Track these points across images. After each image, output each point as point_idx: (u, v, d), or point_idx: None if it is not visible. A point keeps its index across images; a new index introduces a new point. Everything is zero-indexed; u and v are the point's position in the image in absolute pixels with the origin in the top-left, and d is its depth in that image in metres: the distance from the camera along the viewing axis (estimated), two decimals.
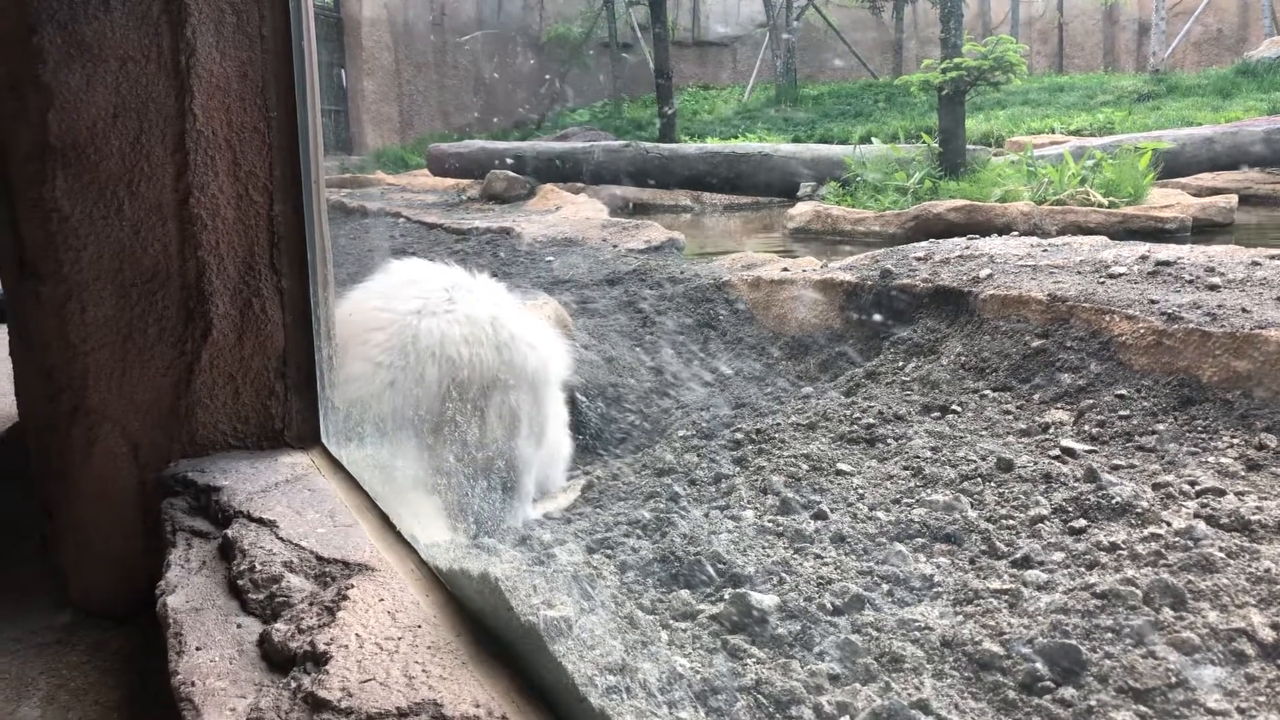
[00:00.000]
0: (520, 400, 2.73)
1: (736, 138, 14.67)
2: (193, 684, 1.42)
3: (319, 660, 1.37)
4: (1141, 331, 2.67)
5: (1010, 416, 2.67)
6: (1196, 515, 1.95)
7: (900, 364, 3.25)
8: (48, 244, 2.05)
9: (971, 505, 2.14)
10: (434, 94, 21.58)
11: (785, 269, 4.31)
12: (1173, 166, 9.33)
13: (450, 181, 11.92)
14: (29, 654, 2.03)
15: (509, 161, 10.95)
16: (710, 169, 10.23)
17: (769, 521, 2.15)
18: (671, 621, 1.70)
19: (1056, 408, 2.65)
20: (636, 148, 10.77)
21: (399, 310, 2.72)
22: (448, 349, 2.65)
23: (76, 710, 1.85)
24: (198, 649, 1.52)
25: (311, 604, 1.56)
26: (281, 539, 1.79)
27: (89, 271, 2.07)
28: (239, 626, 1.59)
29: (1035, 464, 2.29)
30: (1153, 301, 2.79)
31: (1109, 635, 1.57)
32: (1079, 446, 2.40)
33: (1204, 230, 7.51)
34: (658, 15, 14.66)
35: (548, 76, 21.87)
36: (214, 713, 1.36)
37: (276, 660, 1.47)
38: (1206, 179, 9.82)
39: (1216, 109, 13.77)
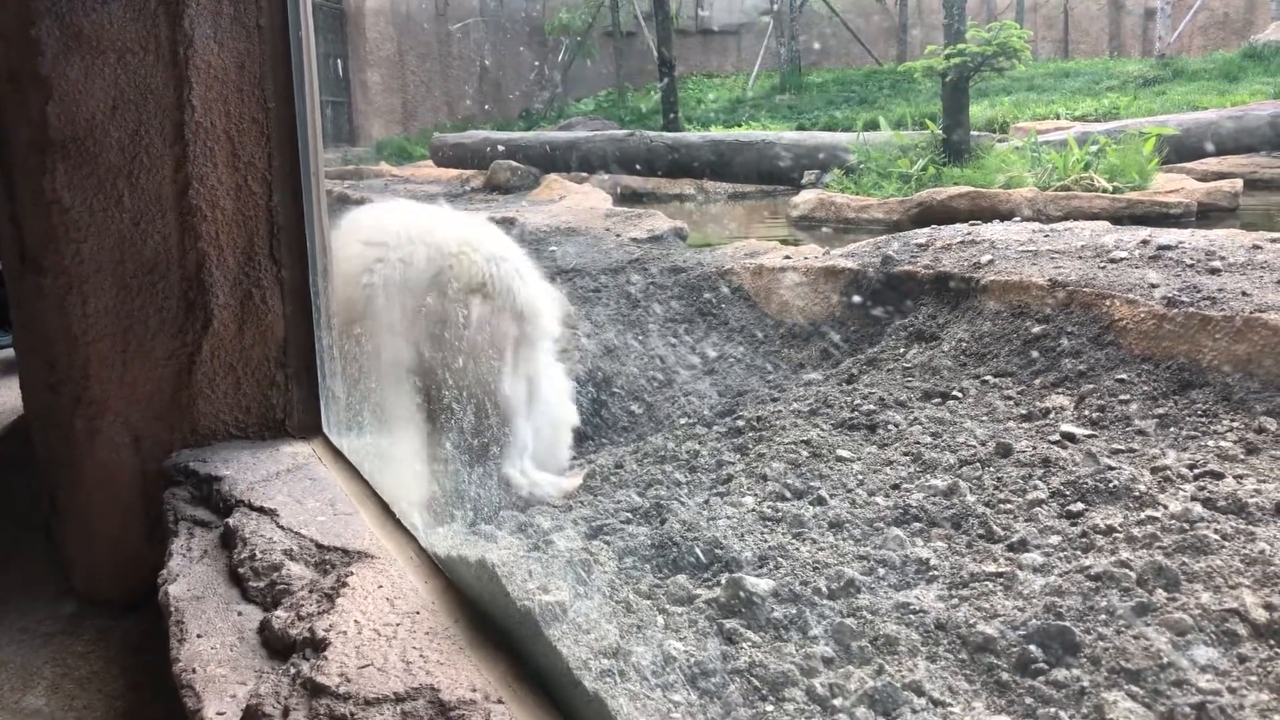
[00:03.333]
0: (505, 326, 2.71)
1: (740, 125, 14.63)
2: (194, 671, 1.44)
3: (318, 646, 1.38)
4: (1142, 316, 2.66)
5: (1011, 402, 2.67)
6: (1194, 498, 1.95)
7: (901, 350, 3.25)
8: (49, 236, 2.07)
9: (970, 490, 2.15)
10: (438, 84, 21.57)
11: (787, 256, 4.30)
12: (1178, 151, 9.29)
13: (454, 172, 11.93)
14: (34, 644, 2.05)
15: (512, 151, 10.94)
16: (714, 157, 10.20)
17: (768, 507, 2.16)
18: (668, 606, 1.71)
19: (1057, 393, 2.65)
20: (640, 136, 10.75)
21: (398, 213, 2.85)
22: (439, 238, 2.69)
23: (81, 699, 1.87)
24: (199, 636, 1.54)
25: (311, 591, 1.57)
26: (282, 527, 1.80)
27: (90, 263, 2.09)
28: (239, 614, 1.61)
29: (1034, 449, 2.30)
30: (1153, 286, 2.79)
31: (1102, 617, 1.58)
32: (1079, 431, 2.40)
33: (1209, 215, 7.48)
34: (660, 4, 14.62)
35: (545, 68, 21.83)
36: (214, 699, 1.37)
37: (276, 647, 1.49)
38: (1212, 164, 9.76)
39: (1223, 93, 13.70)
